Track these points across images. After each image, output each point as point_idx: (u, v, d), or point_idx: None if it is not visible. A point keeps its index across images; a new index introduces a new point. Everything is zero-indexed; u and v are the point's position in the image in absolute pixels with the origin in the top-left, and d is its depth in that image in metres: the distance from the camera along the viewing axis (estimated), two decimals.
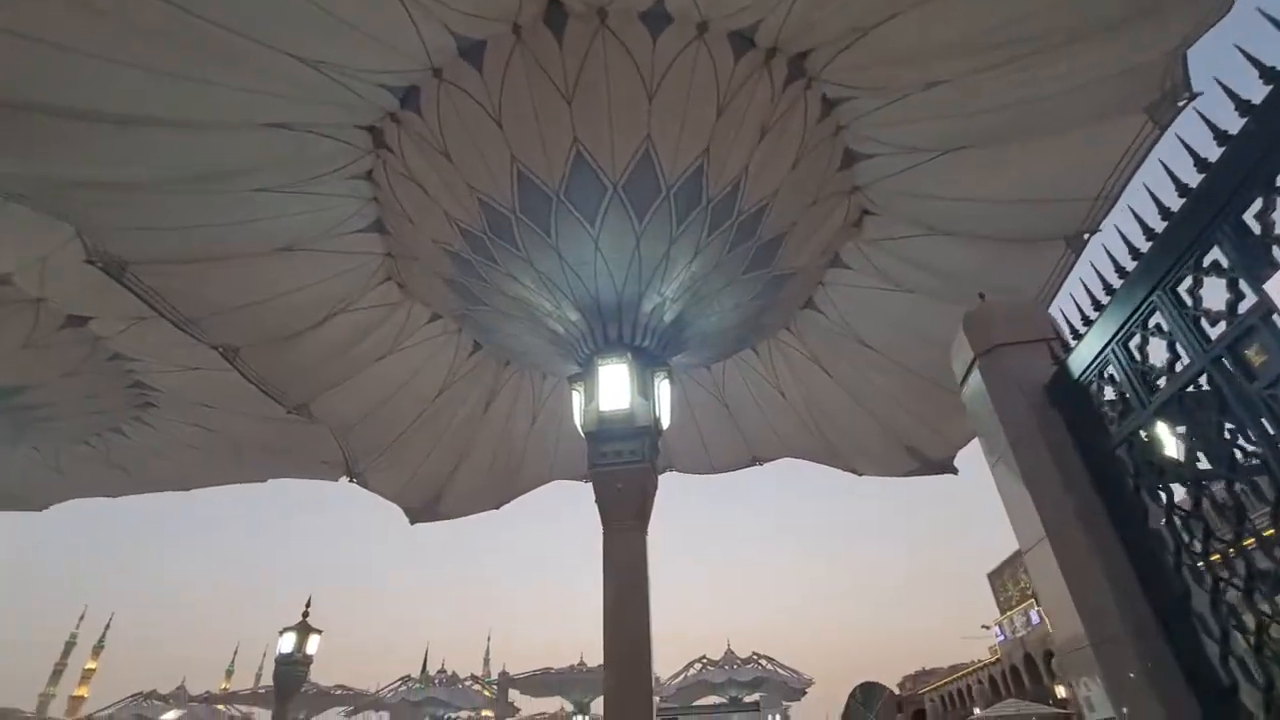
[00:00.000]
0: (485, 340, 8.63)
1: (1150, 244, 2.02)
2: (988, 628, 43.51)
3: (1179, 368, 1.97)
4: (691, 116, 5.80)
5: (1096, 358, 2.38)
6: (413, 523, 11.20)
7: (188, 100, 5.11)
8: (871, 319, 8.84)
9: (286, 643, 16.72)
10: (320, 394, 8.92)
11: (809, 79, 5.97)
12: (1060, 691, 21.14)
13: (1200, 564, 1.95)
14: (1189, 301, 1.92)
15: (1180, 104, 5.33)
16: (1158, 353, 2.06)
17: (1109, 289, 2.35)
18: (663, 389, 6.67)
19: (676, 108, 5.72)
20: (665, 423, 6.70)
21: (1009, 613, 40.68)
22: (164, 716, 37.88)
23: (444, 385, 9.55)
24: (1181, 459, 2.00)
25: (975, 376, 3.06)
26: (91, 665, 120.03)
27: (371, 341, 8.66)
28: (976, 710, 22.07)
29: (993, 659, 42.33)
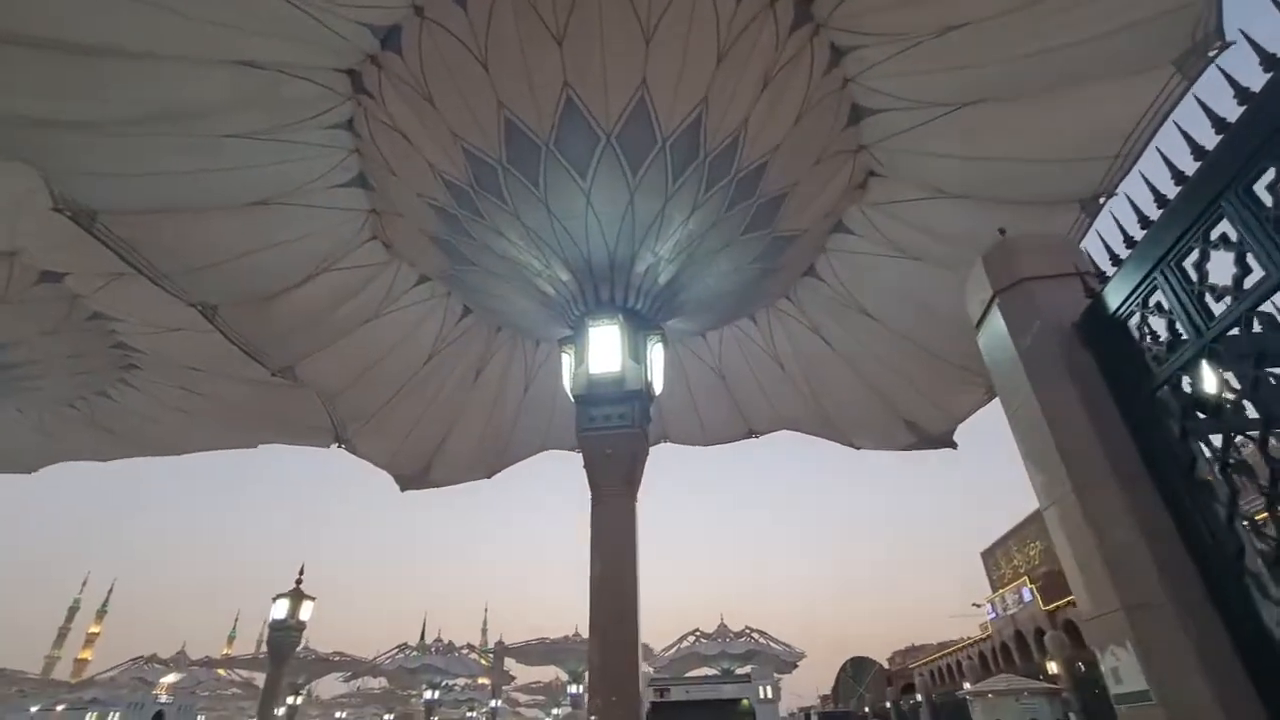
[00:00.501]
0: (474, 303, 8.36)
1: (1219, 140, 1.74)
2: (978, 605, 43.89)
3: (1249, 283, 1.69)
4: (690, 63, 5.45)
5: (1140, 285, 2.09)
6: (403, 490, 11.04)
7: (151, 29, 4.76)
8: (874, 288, 8.56)
9: (280, 609, 16.83)
10: (306, 357, 8.68)
11: (816, 24, 5.61)
12: (1052, 667, 21.24)
13: (1260, 518, 1.71)
14: (1268, 201, 1.64)
15: (1211, 53, 4.98)
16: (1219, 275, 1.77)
17: (1145, 222, 2.07)
18: (655, 353, 6.42)
19: (674, 52, 5.36)
20: (658, 388, 6.46)
21: (1001, 590, 41.00)
22: (163, 679, 38.41)
23: (433, 350, 9.30)
24: (1238, 399, 1.74)
25: (994, 315, 2.77)
26: (95, 629, 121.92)
27: (357, 303, 8.39)
28: (966, 685, 22.28)
29: (983, 635, 42.80)
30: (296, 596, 17.36)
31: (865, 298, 8.66)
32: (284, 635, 17.03)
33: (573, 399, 6.15)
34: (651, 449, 12.11)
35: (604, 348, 6.06)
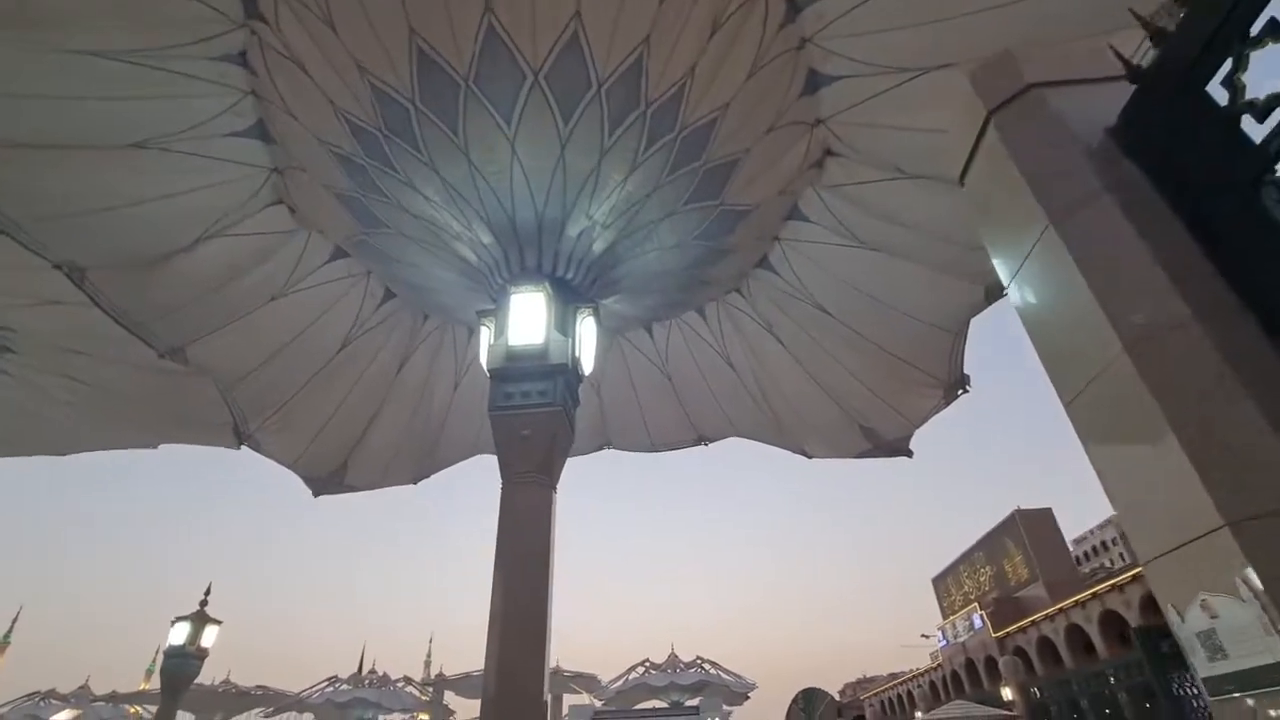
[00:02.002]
0: (388, 275, 7.52)
1: None
2: (927, 636, 43.94)
3: None
4: None
5: (1225, 21, 1.45)
6: (316, 494, 9.95)
7: None
8: (830, 282, 8.07)
9: (179, 634, 15.08)
10: (199, 337, 7.67)
11: None
12: (1006, 693, 20.87)
13: None
14: None
15: None
16: None
17: None
18: (586, 327, 5.71)
19: None
20: (587, 366, 5.73)
21: (951, 617, 41.03)
22: (56, 716, 34.87)
23: (349, 337, 8.39)
24: None
25: (988, 145, 2.08)
26: None
27: (260, 277, 7.46)
28: (918, 715, 21.71)
29: (933, 665, 42.65)
30: (199, 620, 15.62)
31: (821, 292, 8.16)
32: (181, 663, 15.22)
33: (488, 374, 5.37)
34: (594, 458, 11.37)
35: (527, 317, 5.32)
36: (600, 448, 10.74)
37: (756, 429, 10.27)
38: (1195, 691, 11.37)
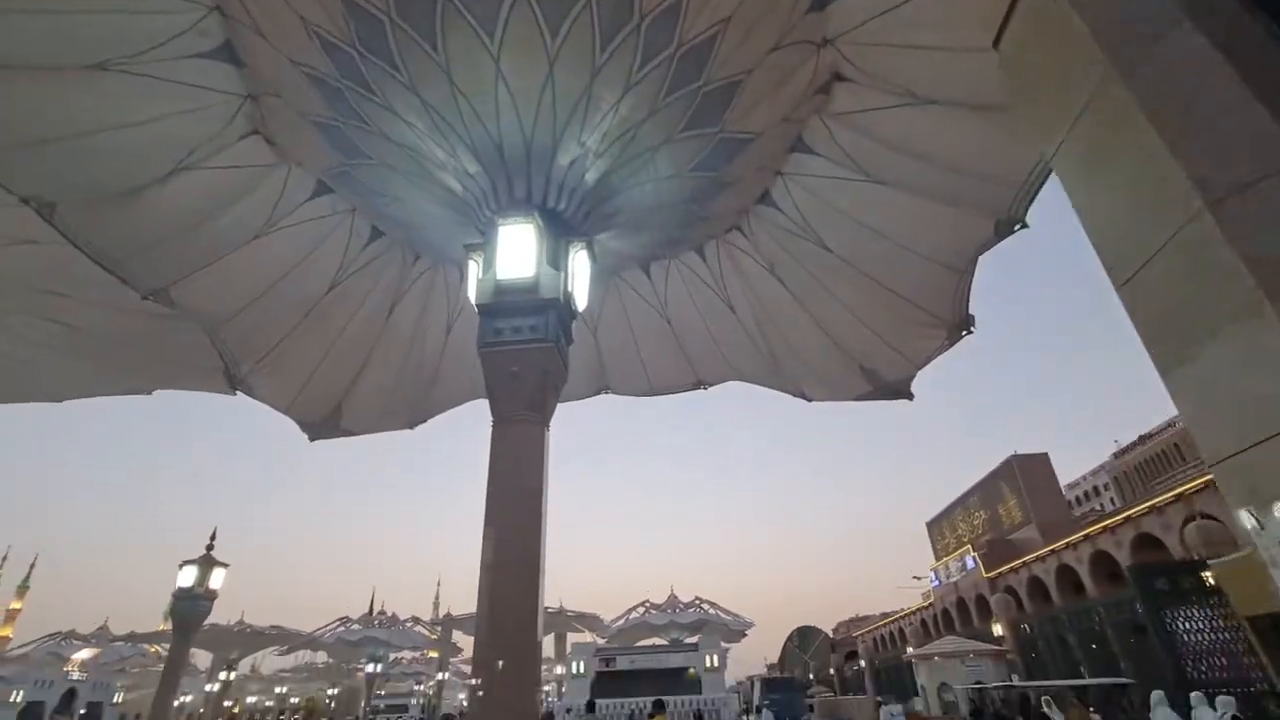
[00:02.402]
0: (373, 208, 7.20)
1: None
2: (919, 578, 45.26)
3: None
4: None
5: None
6: (312, 439, 9.87)
7: None
8: (834, 218, 7.75)
9: (186, 576, 15.44)
10: (183, 278, 7.41)
11: None
12: (997, 629, 21.51)
13: None
14: None
15: None
16: None
17: None
18: (579, 262, 5.46)
19: None
20: (581, 302, 5.51)
21: (945, 559, 42.03)
22: (76, 655, 36.15)
23: (336, 278, 8.13)
24: None
25: None
26: (16, 605, 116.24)
27: (241, 214, 7.15)
28: (909, 649, 22.48)
29: (925, 604, 43.94)
30: (206, 563, 15.94)
31: (824, 229, 7.85)
32: (190, 605, 15.63)
33: (476, 309, 5.15)
34: (594, 401, 11.26)
35: (516, 250, 5.06)
36: (598, 392, 10.61)
37: (756, 372, 10.12)
38: (1186, 627, 11.61)
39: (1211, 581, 11.85)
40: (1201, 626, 11.68)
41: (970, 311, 7.95)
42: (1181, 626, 11.76)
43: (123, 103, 5.70)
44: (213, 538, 16.15)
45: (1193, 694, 8.89)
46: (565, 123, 5.14)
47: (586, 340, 9.94)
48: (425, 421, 10.60)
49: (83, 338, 9.91)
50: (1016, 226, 6.82)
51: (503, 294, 5.00)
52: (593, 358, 10.20)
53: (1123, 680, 14.46)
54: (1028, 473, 36.89)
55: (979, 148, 6.40)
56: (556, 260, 5.23)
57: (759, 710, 26.09)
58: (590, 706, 11.21)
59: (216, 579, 16.07)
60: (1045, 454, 37.72)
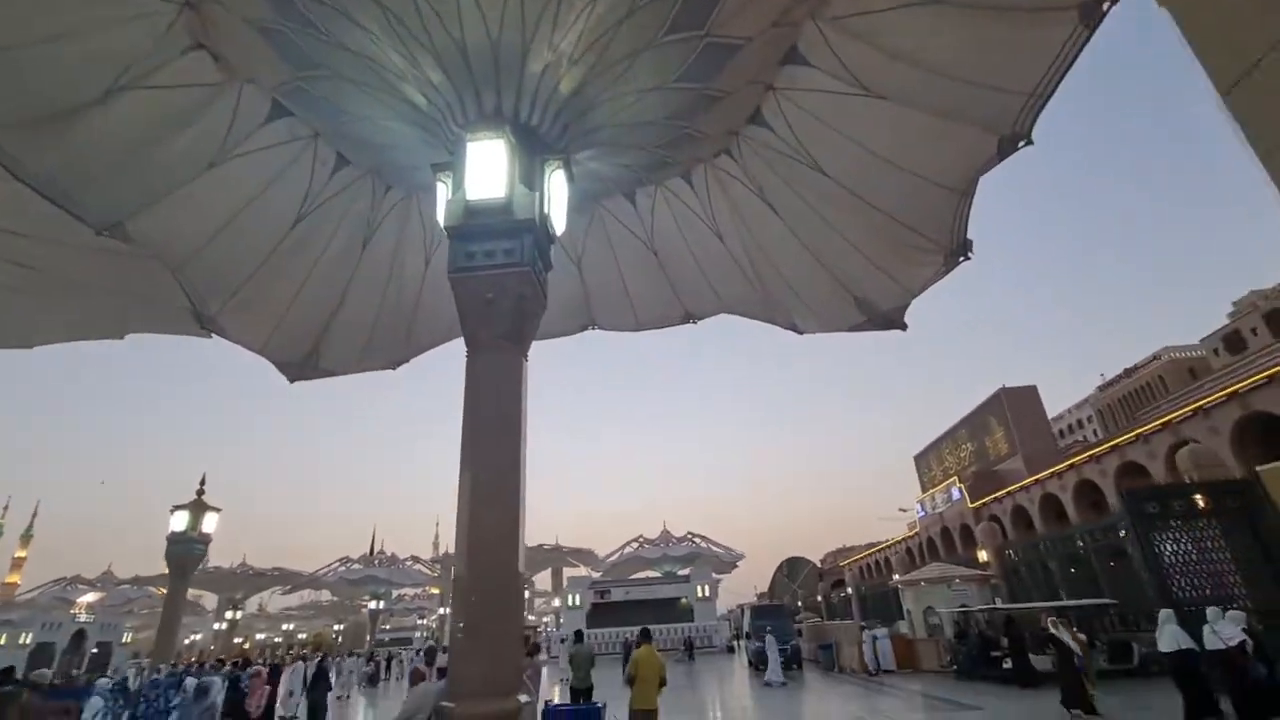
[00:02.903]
0: (333, 130, 6.71)
1: None
2: (904, 510, 46.64)
3: None
4: None
5: None
6: (292, 380, 9.61)
7: None
8: (829, 138, 7.31)
9: (179, 521, 15.56)
10: (136, 211, 6.95)
11: None
12: (982, 556, 22.20)
13: None
14: None
15: None
16: None
17: None
18: (556, 182, 5.09)
19: None
20: (559, 226, 5.17)
21: (931, 490, 43.14)
22: (82, 598, 36.95)
23: (302, 210, 7.68)
24: None
25: None
26: (21, 554, 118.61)
27: (192, 139, 6.64)
28: (896, 577, 23.23)
29: (910, 534, 45.39)
30: (197, 508, 16.00)
31: (818, 150, 7.43)
32: (184, 548, 15.78)
33: (445, 232, 4.80)
34: (580, 338, 11.00)
35: (487, 169, 4.68)
36: (584, 328, 10.35)
37: (745, 304, 9.86)
38: (1173, 549, 11.89)
39: (1201, 504, 12.06)
40: (1189, 548, 11.95)
41: (969, 236, 7.65)
42: (1169, 549, 12.05)
43: (28, 9, 5.12)
44: (202, 483, 16.11)
45: (1209, 609, 9.18)
46: (535, 23, 4.66)
47: (570, 274, 9.61)
48: (408, 360, 10.35)
49: (45, 280, 9.46)
50: (1021, 143, 6.45)
51: (474, 216, 4.64)
52: (577, 292, 9.89)
53: (1106, 601, 14.92)
54: (1016, 405, 37.48)
55: (989, 54, 5.96)
56: (531, 180, 4.85)
57: (748, 636, 27.13)
58: (579, 636, 11.44)
59: (209, 523, 16.16)
60: (1034, 386, 38.23)
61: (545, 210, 4.89)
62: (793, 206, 8.14)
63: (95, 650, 30.33)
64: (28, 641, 27.64)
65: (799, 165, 7.63)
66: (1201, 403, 20.00)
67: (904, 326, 9.19)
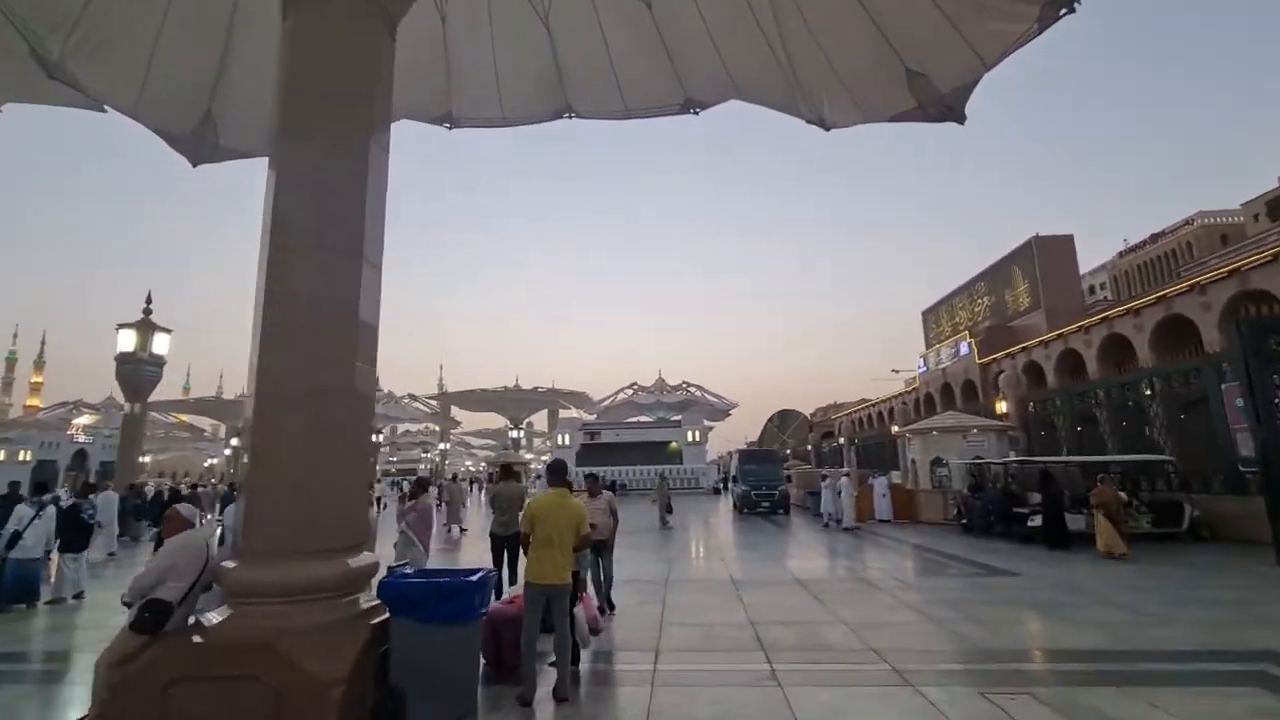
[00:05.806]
0: None
1: None
2: (897, 371, 46.28)
3: None
4: None
5: None
6: (194, 164, 7.72)
7: None
8: None
9: (126, 340, 14.36)
10: None
11: None
12: (1001, 407, 21.41)
13: None
14: None
15: None
16: None
17: None
18: None
19: None
20: None
21: (937, 345, 42.38)
22: (79, 419, 37.57)
23: None
24: None
25: None
26: (37, 379, 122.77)
27: None
28: (894, 428, 22.73)
29: (908, 389, 45.33)
30: (144, 327, 14.75)
31: None
32: (134, 369, 14.75)
33: None
34: (551, 126, 8.95)
35: None
36: (558, 114, 8.27)
37: (764, 86, 7.69)
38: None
39: None
40: None
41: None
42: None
43: None
44: (149, 301, 14.71)
45: None
46: None
47: (538, 38, 7.42)
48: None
49: None
50: None
51: None
52: (548, 65, 7.73)
53: (1164, 458, 13.99)
54: (1048, 254, 35.42)
55: None
56: None
57: (734, 480, 27.44)
58: (505, 471, 10.60)
59: (160, 344, 15.01)
60: (1070, 236, 35.88)
61: None
62: None
63: (99, 469, 31.13)
64: (28, 458, 28.14)
65: None
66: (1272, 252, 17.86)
67: (962, 118, 7.12)
